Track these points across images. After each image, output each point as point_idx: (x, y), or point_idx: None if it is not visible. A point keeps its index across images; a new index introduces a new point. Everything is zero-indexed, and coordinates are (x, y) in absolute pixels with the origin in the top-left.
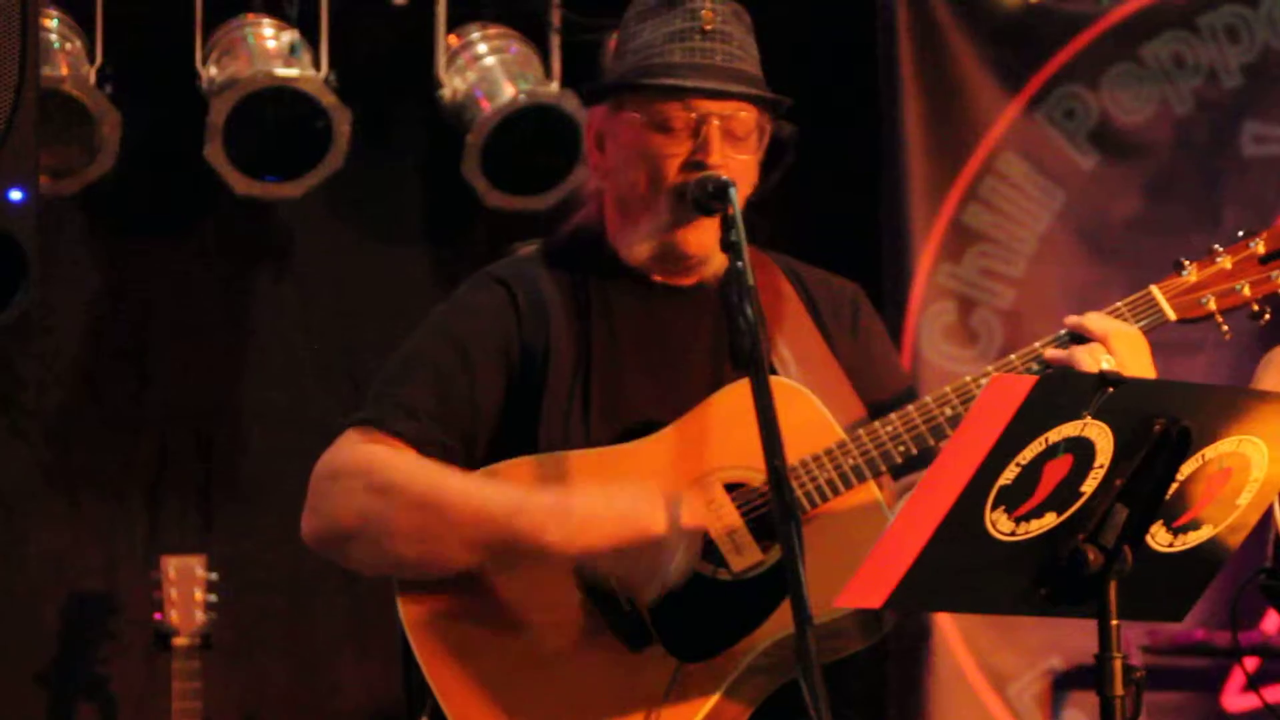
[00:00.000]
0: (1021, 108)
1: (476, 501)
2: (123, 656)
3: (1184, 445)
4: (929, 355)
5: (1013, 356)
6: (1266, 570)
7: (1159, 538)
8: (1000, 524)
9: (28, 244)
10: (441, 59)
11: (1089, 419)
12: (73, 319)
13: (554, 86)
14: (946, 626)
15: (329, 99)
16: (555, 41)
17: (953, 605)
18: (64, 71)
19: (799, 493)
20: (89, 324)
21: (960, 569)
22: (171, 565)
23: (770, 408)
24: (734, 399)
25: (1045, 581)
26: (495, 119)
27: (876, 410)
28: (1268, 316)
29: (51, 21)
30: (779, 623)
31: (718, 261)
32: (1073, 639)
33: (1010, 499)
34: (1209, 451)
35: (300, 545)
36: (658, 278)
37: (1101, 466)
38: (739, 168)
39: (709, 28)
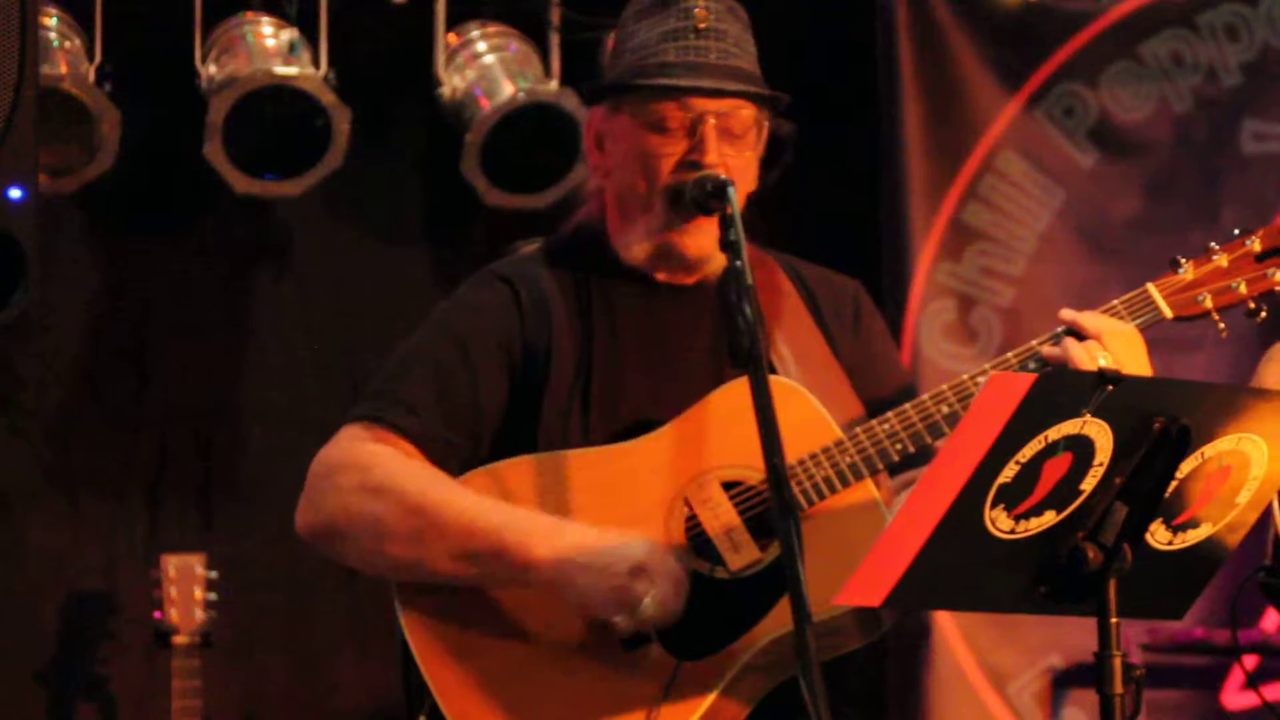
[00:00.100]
0: (1021, 106)
1: (469, 512)
2: (123, 655)
3: (1183, 443)
4: (929, 353)
5: (1009, 355)
6: (1266, 568)
7: (1158, 536)
8: (1000, 522)
9: (27, 243)
10: (441, 57)
11: (1088, 417)
12: (72, 318)
13: (553, 85)
14: (946, 625)
15: (328, 97)
16: (554, 40)
17: (952, 603)
18: (63, 70)
19: (796, 491)
20: (88, 323)
21: (960, 567)
22: (171, 564)
23: (769, 407)
24: (732, 397)
25: (1045, 580)
26: (495, 117)
27: (877, 408)
28: (1264, 314)
29: (51, 20)
30: (777, 620)
31: (718, 261)
32: (1072, 637)
33: (1010, 497)
34: (1208, 449)
35: (300, 544)
36: (659, 276)
37: (1101, 464)
38: (737, 166)
39: (703, 26)
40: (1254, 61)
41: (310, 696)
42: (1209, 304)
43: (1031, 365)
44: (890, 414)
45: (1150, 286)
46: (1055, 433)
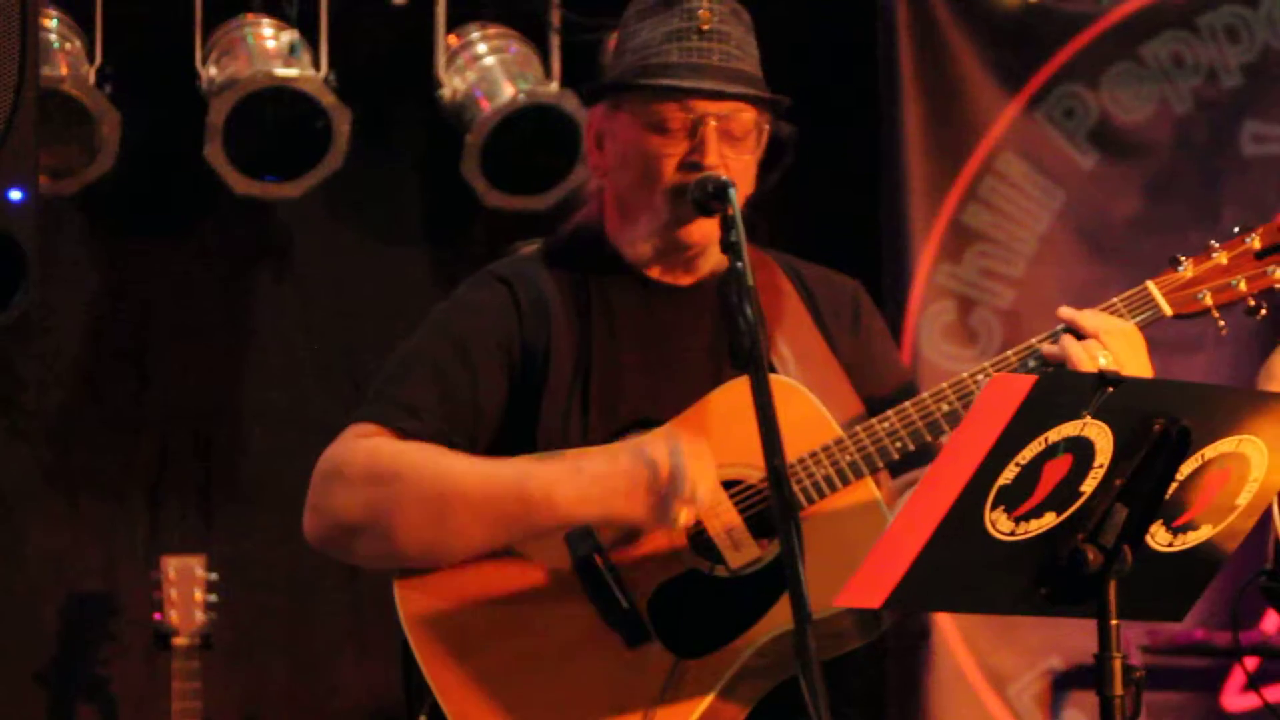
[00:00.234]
0: (1021, 107)
1: (484, 476)
2: (123, 657)
3: (1184, 445)
4: (929, 355)
5: (1009, 353)
6: (1267, 572)
7: (1158, 537)
8: (1000, 524)
9: (27, 244)
10: (441, 59)
11: (1089, 418)
12: (72, 319)
13: (553, 86)
14: (946, 626)
15: (328, 99)
16: (555, 41)
17: (952, 605)
18: (63, 71)
19: (796, 489)
20: (89, 324)
21: (960, 569)
22: (171, 565)
23: (770, 407)
24: (732, 396)
25: (1045, 581)
26: (495, 119)
27: (877, 407)
28: (1264, 311)
29: (51, 21)
30: (777, 619)
31: (717, 260)
32: (1072, 639)
33: (1010, 499)
34: (1208, 451)
35: (300, 545)
36: (658, 277)
37: (1101, 466)
38: (738, 168)
39: (706, 27)
40: (1254, 63)
41: (310, 697)
42: (1209, 301)
43: (1031, 364)
44: (890, 412)
45: (1150, 284)
46: (1055, 434)
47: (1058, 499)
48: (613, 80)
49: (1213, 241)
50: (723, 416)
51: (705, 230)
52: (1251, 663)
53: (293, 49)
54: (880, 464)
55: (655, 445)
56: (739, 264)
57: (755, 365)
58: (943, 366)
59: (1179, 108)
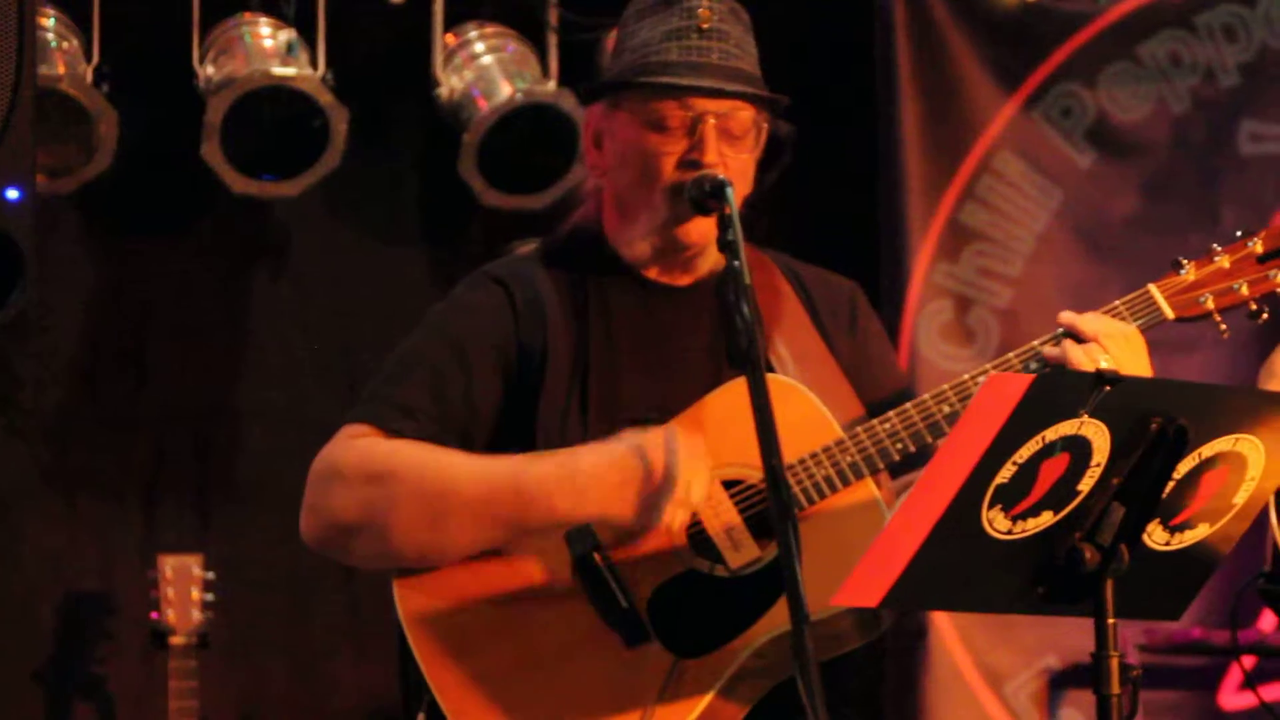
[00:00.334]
0: (1019, 106)
1: (479, 473)
2: (120, 656)
3: (1181, 444)
4: (926, 354)
5: (1010, 355)
6: (1266, 574)
7: (1156, 536)
8: (997, 523)
9: (24, 243)
10: (439, 58)
11: (1086, 417)
12: (70, 318)
13: (551, 85)
14: (943, 625)
15: (326, 98)
16: (552, 40)
17: (949, 604)
18: (61, 70)
19: (796, 489)
20: (86, 323)
21: (957, 568)
22: (168, 564)
23: (767, 407)
24: (731, 397)
25: (1042, 580)
26: (492, 118)
27: (873, 410)
28: (1266, 315)
29: (48, 20)
30: (776, 619)
31: (715, 260)
32: (1069, 637)
33: (1007, 498)
34: (1206, 450)
35: (297, 544)
36: (656, 277)
37: (1098, 465)
38: (736, 167)
39: (706, 26)
40: (1252, 62)
41: (308, 697)
42: (1211, 305)
43: (1033, 366)
44: (891, 413)
45: (1152, 287)
46: (1053, 433)
47: (1055, 498)
48: (612, 79)
49: (1215, 245)
50: (722, 416)
51: (703, 229)
52: (1249, 662)
53: (290, 48)
54: (881, 465)
55: (651, 443)
56: (736, 263)
57: (752, 365)
58: (940, 366)
59: (1177, 107)
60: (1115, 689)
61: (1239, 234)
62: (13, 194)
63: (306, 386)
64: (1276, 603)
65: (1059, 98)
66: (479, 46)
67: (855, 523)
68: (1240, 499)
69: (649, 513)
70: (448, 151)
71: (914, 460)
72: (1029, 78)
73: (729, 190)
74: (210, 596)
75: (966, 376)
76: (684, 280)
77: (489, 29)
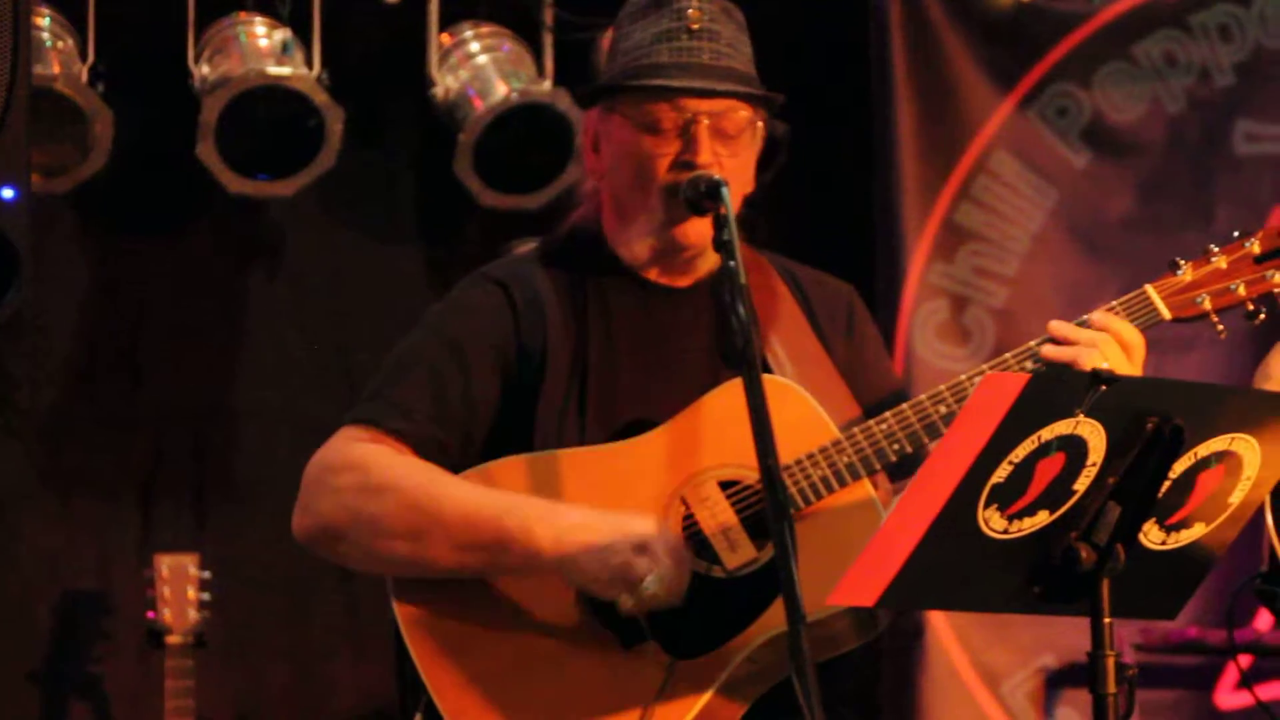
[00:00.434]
0: (1014, 106)
1: (469, 503)
2: (116, 655)
3: (1176, 443)
4: (922, 354)
5: (1008, 355)
6: (1262, 575)
7: (1152, 536)
8: (993, 522)
9: (20, 242)
10: (434, 57)
11: (1081, 417)
12: (65, 318)
13: (546, 85)
14: (939, 624)
15: (321, 97)
16: (548, 40)
17: (946, 603)
18: (56, 70)
19: (793, 490)
20: (82, 323)
21: (953, 567)
22: (165, 564)
23: (763, 407)
24: (728, 397)
25: (1038, 579)
26: (488, 117)
27: (868, 413)
28: (1263, 316)
29: (43, 20)
30: (772, 620)
31: (713, 261)
32: (1066, 637)
33: (1003, 497)
34: (1201, 449)
35: (294, 544)
36: (656, 278)
37: (1094, 464)
38: (732, 167)
39: (696, 26)
40: (1246, 62)
41: (305, 697)
42: (1208, 306)
43: (1030, 365)
44: (888, 414)
45: (1149, 288)
46: (1048, 433)
47: (1051, 497)
48: (604, 83)
49: (1211, 245)
50: (719, 417)
51: (700, 229)
52: (1244, 661)
53: (285, 47)
54: (878, 466)
55: (646, 527)
56: (731, 263)
57: (748, 365)
58: (936, 366)
59: (1172, 107)
60: (1111, 688)
61: (1236, 234)
62: (8, 193)
63: (303, 386)
64: (1273, 603)
65: (1054, 97)
66: (474, 46)
67: (852, 523)
68: (1236, 499)
69: (615, 586)
70: (443, 151)
71: (911, 462)
72: (1024, 78)
73: (724, 190)
74: (207, 596)
75: (963, 377)
76: (683, 281)
77: (484, 29)
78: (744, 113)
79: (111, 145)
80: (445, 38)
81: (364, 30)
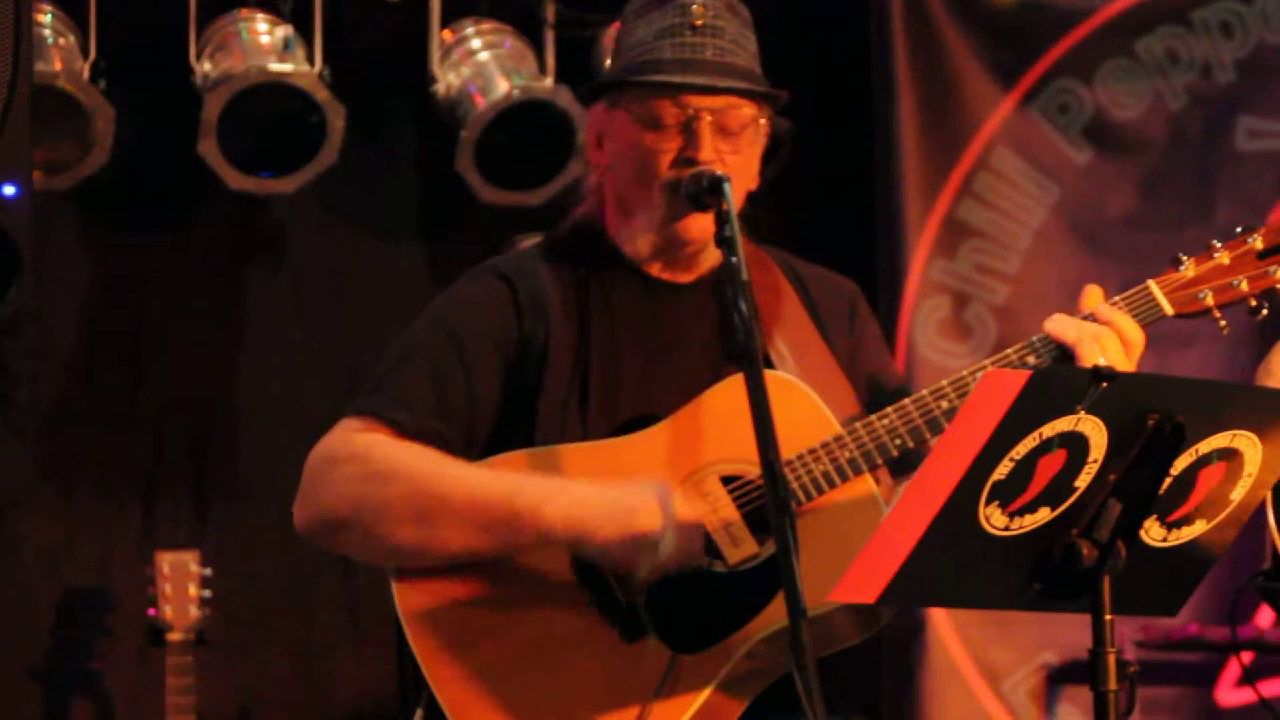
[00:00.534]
0: (1016, 103)
1: (475, 485)
2: (117, 652)
3: (1177, 440)
4: (923, 351)
5: (1009, 350)
6: (1265, 573)
7: (1153, 533)
8: (994, 519)
9: (21, 239)
10: (435, 54)
11: (1083, 413)
12: (67, 314)
13: (548, 82)
14: (940, 621)
15: (323, 94)
16: (549, 37)
17: (946, 600)
18: (58, 67)
19: (795, 485)
20: (83, 319)
21: (954, 564)
22: (166, 561)
23: (764, 403)
24: (731, 393)
25: (1039, 576)
26: (489, 114)
27: (868, 410)
28: (1265, 312)
29: (45, 17)
30: (774, 615)
31: (718, 256)
32: (1066, 634)
33: (1004, 494)
34: (1202, 446)
35: (295, 540)
36: (658, 274)
37: (1095, 461)
38: (734, 164)
39: (699, 23)
40: (1248, 58)
41: (305, 693)
42: (1210, 301)
43: (1032, 360)
44: (890, 409)
45: (1151, 283)
46: (1049, 429)
47: (1052, 494)
48: (607, 79)
49: (1214, 241)
50: (721, 412)
51: (702, 225)
52: (1246, 658)
53: (287, 44)
54: (880, 461)
55: (653, 492)
56: (733, 259)
57: (749, 360)
58: (937, 362)
59: (1173, 103)
60: (1113, 685)
61: (1239, 230)
62: (9, 190)
63: (304, 382)
64: (1275, 599)
65: (1056, 94)
66: (476, 43)
67: (854, 518)
68: (1237, 495)
69: (630, 552)
70: (445, 148)
71: (914, 459)
72: (1026, 74)
73: (726, 186)
74: (208, 593)
75: (965, 372)
76: (686, 277)
77: (486, 25)
78: (747, 110)
79: (113, 142)
80: (447, 34)
81: (365, 27)
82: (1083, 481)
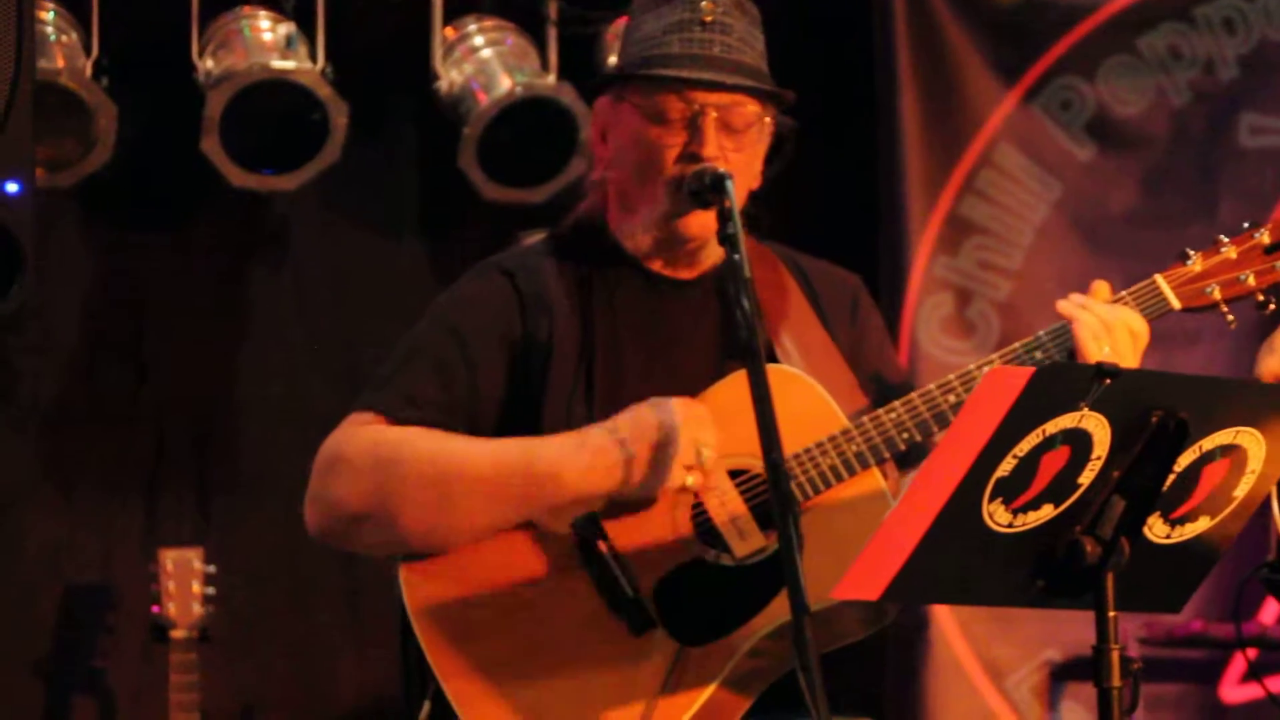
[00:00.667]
0: (1018, 100)
1: (490, 455)
2: (120, 650)
3: (1181, 436)
4: (926, 347)
5: (1016, 345)
6: (1270, 564)
7: (1156, 529)
8: (998, 516)
9: (24, 237)
10: (438, 51)
11: (1086, 410)
12: (69, 312)
13: (550, 79)
14: (944, 618)
15: (325, 91)
16: (552, 34)
17: (950, 597)
18: (60, 64)
19: (801, 479)
20: (85, 317)
21: (958, 561)
22: (169, 558)
23: (767, 399)
24: (735, 388)
25: (1042, 573)
26: (492, 111)
27: (872, 404)
28: (1273, 306)
29: (48, 14)
30: (781, 609)
31: (720, 252)
32: (1070, 631)
33: (1007, 491)
34: (1206, 443)
35: (298, 537)
36: (660, 269)
37: (1099, 458)
38: (738, 161)
39: (709, 19)
40: (1251, 55)
41: (309, 690)
42: (1217, 295)
43: (1038, 355)
44: (897, 403)
45: (1158, 278)
46: (1053, 426)
47: (1055, 491)
48: (613, 72)
49: (1221, 236)
50: (727, 408)
51: (703, 222)
52: (1251, 654)
53: (289, 42)
54: (886, 455)
55: (646, 412)
56: (736, 256)
57: (751, 356)
58: (940, 359)
59: (1176, 100)
60: (1116, 682)
61: (1246, 225)
62: (12, 187)
63: (306, 380)
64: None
65: (1058, 91)
66: (478, 40)
67: (861, 513)
68: (1241, 492)
69: (658, 474)
70: (447, 145)
71: (919, 454)
72: (1029, 71)
73: (729, 183)
74: (211, 590)
75: (973, 366)
76: (688, 274)
77: (488, 22)
78: (752, 107)
79: (115, 139)
80: (449, 31)
81: (368, 24)
82: (1086, 478)
